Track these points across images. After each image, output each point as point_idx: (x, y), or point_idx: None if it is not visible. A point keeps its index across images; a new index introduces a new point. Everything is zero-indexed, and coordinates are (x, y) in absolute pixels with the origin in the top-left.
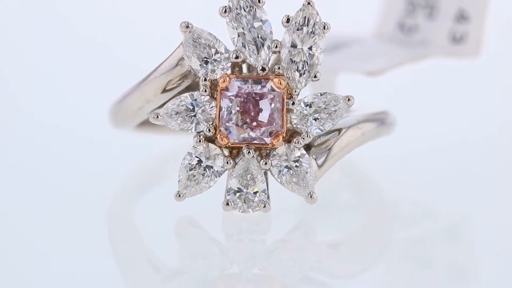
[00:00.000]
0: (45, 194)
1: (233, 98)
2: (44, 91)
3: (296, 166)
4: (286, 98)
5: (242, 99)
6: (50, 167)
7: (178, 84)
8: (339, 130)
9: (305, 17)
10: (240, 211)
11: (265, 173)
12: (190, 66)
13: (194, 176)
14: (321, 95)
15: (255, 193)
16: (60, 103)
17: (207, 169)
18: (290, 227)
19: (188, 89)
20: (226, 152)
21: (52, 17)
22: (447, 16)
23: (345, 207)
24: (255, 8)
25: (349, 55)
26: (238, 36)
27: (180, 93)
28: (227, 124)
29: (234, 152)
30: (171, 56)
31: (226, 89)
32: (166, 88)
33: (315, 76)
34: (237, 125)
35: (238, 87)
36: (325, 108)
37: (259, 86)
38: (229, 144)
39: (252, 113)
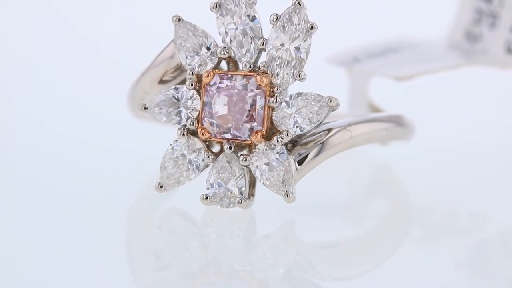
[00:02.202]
0: (58, 195)
1: (215, 93)
2: (55, 94)
3: (275, 164)
4: (269, 96)
5: (224, 95)
6: (67, 170)
7: (173, 77)
8: (329, 130)
9: (292, 16)
10: (219, 206)
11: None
12: (180, 59)
13: (176, 169)
14: (303, 94)
15: (235, 188)
16: (69, 103)
17: (188, 163)
18: (275, 225)
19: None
20: (218, 147)
21: (51, 18)
22: (506, 26)
23: (372, 211)
24: (245, 5)
25: (391, 61)
26: (226, 32)
27: None
28: (208, 118)
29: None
30: (167, 47)
31: (210, 84)
32: (163, 79)
33: (299, 76)
34: (218, 120)
35: (221, 82)
36: (306, 108)
37: (242, 83)
38: (210, 138)
39: (233, 110)
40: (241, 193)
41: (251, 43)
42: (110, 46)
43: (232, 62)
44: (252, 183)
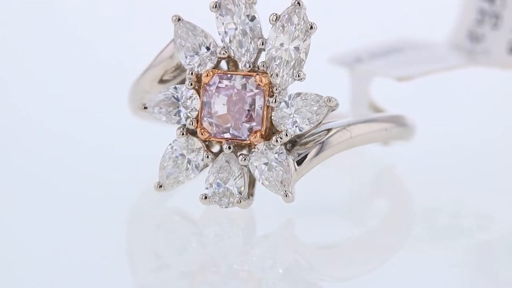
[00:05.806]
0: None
1: (215, 93)
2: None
3: (274, 164)
4: (268, 96)
5: (223, 95)
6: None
7: (173, 76)
8: (329, 130)
9: (292, 16)
10: (218, 205)
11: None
12: (179, 59)
13: (175, 168)
14: (303, 94)
15: (234, 188)
16: (69, 103)
17: (188, 163)
18: (274, 225)
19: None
20: (218, 147)
21: (50, 18)
22: (508, 26)
23: (373, 211)
24: (244, 5)
25: (394, 61)
26: (226, 32)
27: None
28: (207, 118)
29: None
30: (167, 47)
31: (209, 84)
32: (163, 79)
33: (298, 75)
34: (217, 120)
35: (220, 82)
36: (305, 108)
37: (242, 83)
38: (210, 138)
39: (233, 109)
40: (240, 193)
41: (251, 43)
42: (110, 46)
43: (232, 62)
44: (252, 183)
